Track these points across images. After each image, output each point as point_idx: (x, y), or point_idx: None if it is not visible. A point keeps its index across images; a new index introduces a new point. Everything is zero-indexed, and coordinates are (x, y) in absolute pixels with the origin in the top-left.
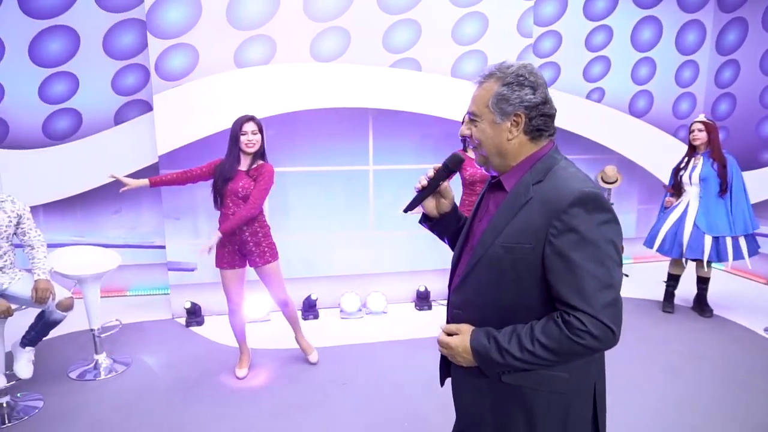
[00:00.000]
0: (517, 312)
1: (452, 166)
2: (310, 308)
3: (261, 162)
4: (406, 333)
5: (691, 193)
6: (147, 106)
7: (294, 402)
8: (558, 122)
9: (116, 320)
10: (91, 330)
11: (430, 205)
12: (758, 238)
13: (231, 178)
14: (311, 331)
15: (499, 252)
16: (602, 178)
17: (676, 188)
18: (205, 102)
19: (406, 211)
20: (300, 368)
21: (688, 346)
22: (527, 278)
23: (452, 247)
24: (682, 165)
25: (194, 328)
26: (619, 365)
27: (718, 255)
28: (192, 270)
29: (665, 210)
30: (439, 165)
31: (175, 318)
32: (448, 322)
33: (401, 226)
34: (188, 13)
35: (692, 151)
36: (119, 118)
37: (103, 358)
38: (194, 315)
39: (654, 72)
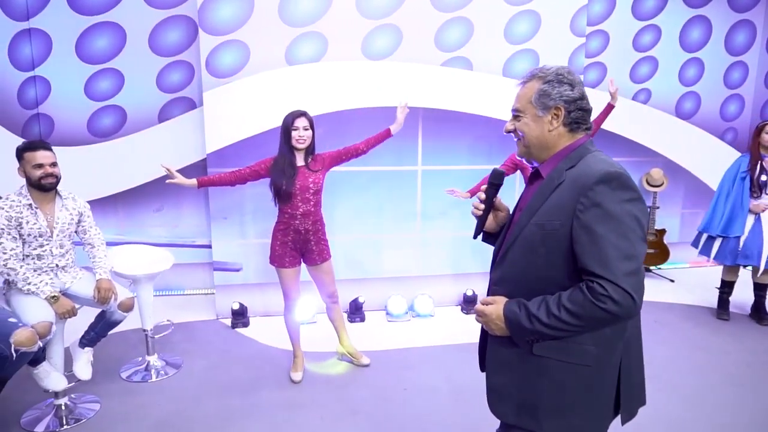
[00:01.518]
0: (546, 284)
1: (497, 181)
2: (356, 311)
3: (316, 154)
4: (455, 337)
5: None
6: (191, 104)
7: (356, 408)
8: (604, 124)
9: (168, 321)
10: (144, 330)
11: (490, 222)
12: None
13: (295, 175)
14: (358, 334)
15: (533, 230)
16: (647, 181)
17: (755, 192)
18: (255, 100)
19: (475, 236)
20: (353, 372)
21: (750, 355)
22: (556, 252)
23: None
24: (757, 172)
25: (240, 330)
26: (680, 372)
27: None
28: (238, 270)
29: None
30: (486, 186)
31: (220, 319)
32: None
33: (448, 227)
34: (240, 9)
35: (758, 153)
36: (163, 115)
37: (155, 360)
38: (241, 316)
39: (702, 73)
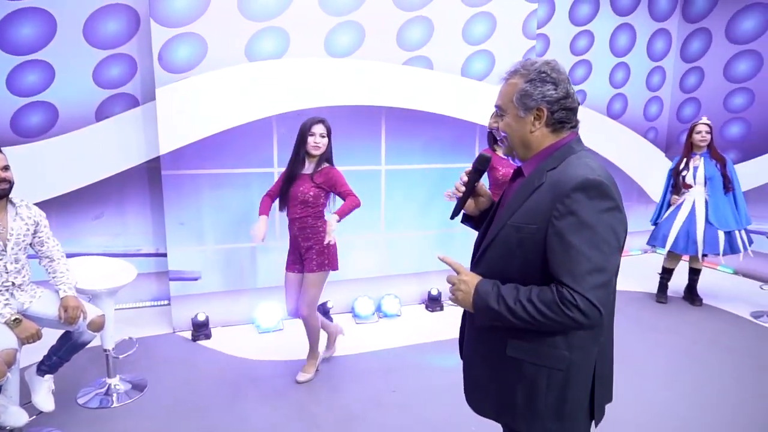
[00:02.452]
0: (523, 284)
1: (481, 166)
2: (324, 315)
3: (326, 165)
4: (425, 335)
5: (695, 192)
6: (133, 101)
7: (351, 414)
8: None
9: (129, 337)
10: (105, 350)
11: (470, 206)
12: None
13: (295, 180)
14: (322, 339)
15: (510, 231)
16: None
17: (677, 188)
18: (214, 97)
19: (452, 217)
20: (333, 379)
21: (694, 333)
22: (532, 255)
23: None
24: (682, 166)
25: (203, 342)
26: (638, 351)
27: (732, 248)
28: (196, 279)
29: (668, 208)
30: (469, 169)
31: (178, 332)
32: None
33: (412, 226)
34: (196, 0)
35: (689, 151)
36: (102, 113)
37: (116, 382)
38: (203, 328)
39: (628, 76)
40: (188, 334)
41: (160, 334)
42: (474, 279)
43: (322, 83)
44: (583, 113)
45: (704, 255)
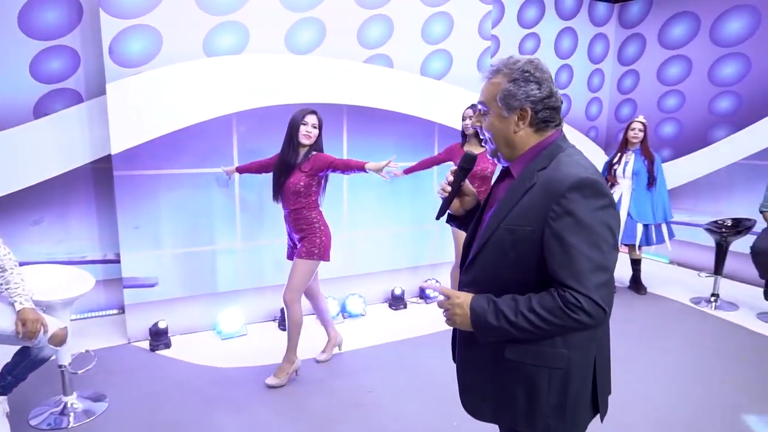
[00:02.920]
0: (518, 288)
1: (468, 165)
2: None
3: (313, 153)
4: (391, 334)
5: (624, 185)
6: (77, 97)
7: (333, 417)
8: None
9: (86, 350)
10: (60, 366)
11: (455, 205)
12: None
13: (287, 171)
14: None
15: (503, 234)
16: None
17: (609, 181)
18: (170, 93)
19: (438, 217)
20: (307, 382)
21: (648, 320)
22: (527, 258)
23: None
24: (615, 160)
25: (163, 352)
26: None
27: (647, 240)
28: (153, 286)
29: None
30: (455, 168)
31: (133, 342)
32: None
33: (375, 225)
34: None
35: (624, 147)
36: (40, 109)
37: (74, 399)
38: (162, 336)
39: (572, 78)
40: (146, 344)
41: (115, 346)
42: (466, 298)
43: (283, 80)
44: None
45: (640, 246)
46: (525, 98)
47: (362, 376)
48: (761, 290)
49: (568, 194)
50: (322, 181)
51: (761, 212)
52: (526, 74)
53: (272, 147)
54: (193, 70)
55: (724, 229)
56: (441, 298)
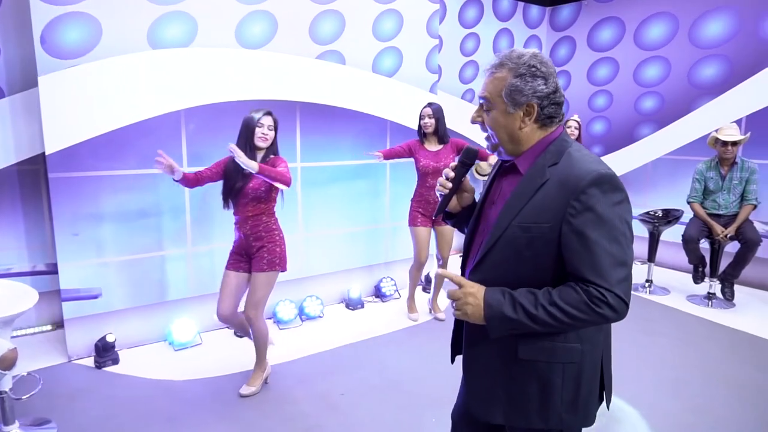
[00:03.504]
0: (531, 287)
1: (469, 160)
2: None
3: (272, 156)
4: (350, 335)
5: None
6: None
7: (310, 423)
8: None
9: (28, 373)
10: (0, 393)
11: (452, 202)
12: None
13: (251, 176)
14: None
15: (516, 232)
16: (477, 171)
17: None
18: (112, 88)
19: (436, 215)
20: (276, 389)
21: None
22: (543, 256)
23: None
24: None
25: (111, 369)
26: None
27: None
28: (96, 297)
29: None
30: (455, 164)
31: (75, 360)
32: None
33: (330, 224)
34: None
35: None
36: None
37: (16, 429)
38: (108, 351)
39: None
40: (90, 361)
41: (54, 365)
42: (480, 289)
43: (234, 76)
44: (472, 111)
45: None
46: (532, 94)
47: (330, 379)
48: (690, 275)
49: (588, 190)
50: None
51: (689, 203)
52: (533, 69)
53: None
54: (137, 63)
55: (655, 220)
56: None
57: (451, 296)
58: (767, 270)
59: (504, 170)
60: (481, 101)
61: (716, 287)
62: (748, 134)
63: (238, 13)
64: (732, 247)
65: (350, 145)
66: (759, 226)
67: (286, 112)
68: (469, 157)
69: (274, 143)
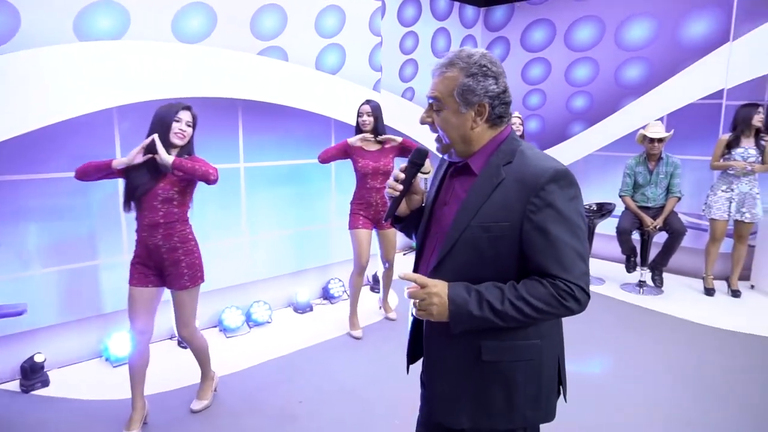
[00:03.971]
0: None
1: (420, 160)
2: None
3: (187, 157)
4: (301, 340)
5: None
6: None
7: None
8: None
9: None
10: None
11: (401, 206)
12: None
13: (160, 176)
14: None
15: (476, 232)
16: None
17: None
18: (35, 82)
19: (386, 219)
20: (228, 403)
21: None
22: (505, 254)
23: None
24: None
25: (40, 392)
26: None
27: None
28: (20, 314)
29: None
30: (404, 165)
31: None
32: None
33: (275, 226)
34: None
35: None
36: None
37: None
38: (37, 373)
39: None
40: (15, 385)
41: None
42: (443, 287)
43: (171, 71)
44: (413, 110)
45: None
46: (483, 93)
47: (285, 387)
48: (622, 266)
49: (546, 186)
50: (194, 189)
51: (621, 196)
52: (484, 68)
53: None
54: (63, 55)
55: (590, 213)
56: (410, 287)
57: (414, 296)
58: (692, 258)
59: (456, 171)
60: (431, 101)
61: (647, 275)
62: (672, 131)
63: (175, 5)
64: (659, 238)
65: (295, 144)
66: (682, 218)
67: (228, 111)
68: (419, 157)
69: (190, 142)
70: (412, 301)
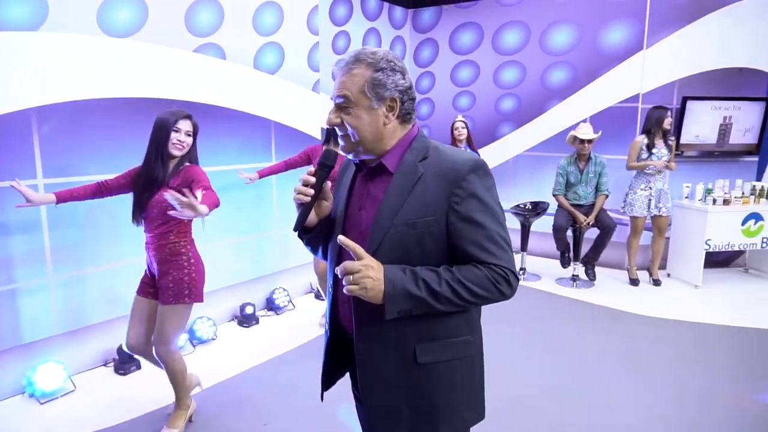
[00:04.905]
0: None
1: (330, 162)
2: (129, 360)
3: (187, 164)
4: (251, 355)
5: None
6: None
7: None
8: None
9: None
10: None
11: (311, 215)
12: None
13: (157, 188)
14: (138, 388)
15: (401, 230)
16: None
17: None
18: None
19: (296, 228)
20: (199, 425)
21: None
22: (433, 249)
23: (324, 255)
24: None
25: None
26: None
27: None
28: None
29: None
30: (313, 169)
31: None
32: (342, 315)
33: (217, 236)
34: None
35: (455, 145)
36: None
37: None
38: None
39: None
40: None
41: None
42: (380, 266)
43: (98, 68)
44: None
45: None
46: (394, 87)
47: (246, 408)
48: (557, 262)
49: (467, 177)
50: None
51: (554, 195)
52: (391, 63)
53: (86, 151)
54: None
55: (526, 212)
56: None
57: (349, 269)
58: (620, 252)
59: (367, 173)
60: (339, 100)
61: (580, 270)
62: (600, 133)
63: None
64: (590, 233)
65: (235, 149)
66: (611, 214)
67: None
68: (330, 159)
69: (191, 151)
70: (344, 277)
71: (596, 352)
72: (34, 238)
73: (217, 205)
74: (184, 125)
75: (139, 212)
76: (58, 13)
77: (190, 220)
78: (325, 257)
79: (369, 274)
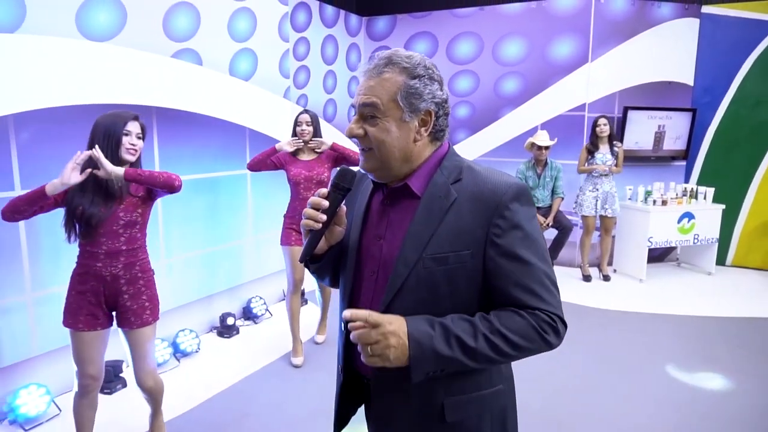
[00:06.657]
0: None
1: (348, 184)
2: (114, 377)
3: None
4: (232, 368)
5: None
6: None
7: None
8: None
9: None
10: None
11: (321, 242)
12: None
13: (118, 199)
14: (127, 403)
15: (430, 266)
16: None
17: None
18: None
19: (302, 259)
20: None
21: None
22: (465, 287)
23: (334, 283)
24: None
25: None
26: None
27: None
28: None
29: None
30: (326, 190)
31: None
32: (357, 359)
33: (191, 246)
34: None
35: None
36: None
37: None
38: None
39: (336, 83)
40: None
41: None
42: (401, 324)
43: (77, 72)
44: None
45: None
46: (431, 99)
47: (235, 426)
48: None
49: (511, 205)
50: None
51: None
52: (429, 71)
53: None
54: None
55: None
56: (356, 326)
57: (365, 340)
58: (572, 251)
59: (388, 195)
60: (364, 108)
61: None
62: (555, 140)
63: None
64: (549, 234)
65: (211, 156)
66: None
67: (142, 117)
68: (347, 180)
69: (138, 156)
70: (359, 346)
71: (563, 343)
72: (12, 255)
73: (162, 177)
74: (134, 127)
75: (93, 229)
76: (37, 15)
77: (146, 231)
78: (334, 285)
79: (389, 342)
